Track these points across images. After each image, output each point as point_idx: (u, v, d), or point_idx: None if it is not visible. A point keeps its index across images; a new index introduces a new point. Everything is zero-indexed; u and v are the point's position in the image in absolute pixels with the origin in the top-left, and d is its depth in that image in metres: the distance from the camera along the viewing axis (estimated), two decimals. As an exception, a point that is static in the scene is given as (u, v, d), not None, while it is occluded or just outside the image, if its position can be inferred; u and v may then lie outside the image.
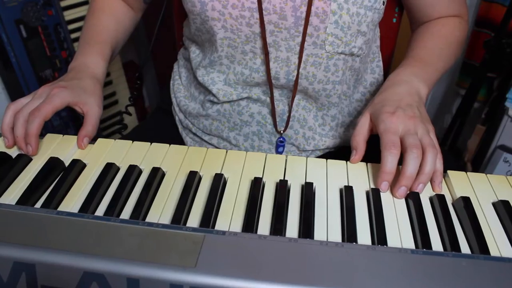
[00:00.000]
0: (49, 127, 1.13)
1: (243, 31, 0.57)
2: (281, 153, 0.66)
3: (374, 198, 0.44)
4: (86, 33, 0.68)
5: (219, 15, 0.56)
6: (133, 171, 0.47)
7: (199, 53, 0.66)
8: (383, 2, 0.56)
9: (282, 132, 0.64)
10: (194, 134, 0.70)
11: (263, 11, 0.54)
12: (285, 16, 0.55)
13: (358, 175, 0.48)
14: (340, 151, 0.68)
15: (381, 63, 0.68)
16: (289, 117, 0.63)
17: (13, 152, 0.51)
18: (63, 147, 0.52)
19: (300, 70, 0.59)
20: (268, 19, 0.55)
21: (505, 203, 0.44)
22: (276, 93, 0.62)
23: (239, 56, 0.60)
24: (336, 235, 0.40)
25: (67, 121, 1.17)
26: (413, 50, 0.62)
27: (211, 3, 0.55)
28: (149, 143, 0.52)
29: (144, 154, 0.50)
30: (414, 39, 0.65)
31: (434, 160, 0.45)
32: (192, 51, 0.67)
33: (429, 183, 0.47)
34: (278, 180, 0.46)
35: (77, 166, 0.48)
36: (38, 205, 0.43)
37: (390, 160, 0.45)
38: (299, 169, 0.49)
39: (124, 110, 0.94)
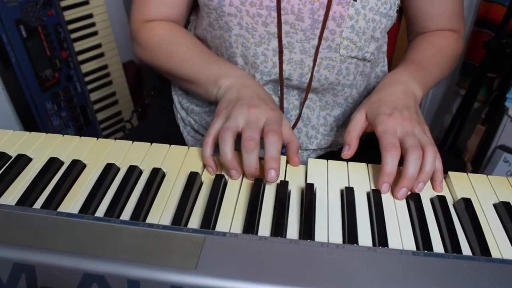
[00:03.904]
0: (48, 127, 1.13)
1: (258, 31, 0.56)
2: (284, 153, 0.66)
3: (375, 199, 0.44)
4: (196, 56, 0.59)
5: (236, 11, 0.55)
6: (133, 172, 0.47)
7: (210, 49, 0.66)
8: (397, 9, 0.57)
9: None
10: (196, 131, 0.70)
11: (281, 11, 0.54)
12: (302, 18, 0.54)
13: (359, 176, 0.48)
14: (341, 151, 0.68)
15: (385, 68, 0.68)
16: (299, 117, 0.63)
17: (13, 152, 0.51)
18: (63, 147, 0.51)
19: (314, 73, 0.58)
20: (285, 19, 0.55)
21: (506, 204, 0.44)
22: (284, 91, 0.62)
23: (251, 59, 0.59)
24: (336, 236, 0.40)
25: (67, 121, 1.17)
26: (411, 55, 0.62)
27: None
28: (149, 144, 0.52)
29: (144, 155, 0.50)
30: (412, 46, 0.65)
31: (434, 159, 0.45)
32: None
33: (430, 183, 0.47)
34: (278, 181, 0.46)
35: (77, 167, 0.48)
36: (38, 205, 0.43)
37: (390, 161, 0.45)
38: (299, 170, 0.49)
39: (128, 120, 0.93)
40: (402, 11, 0.73)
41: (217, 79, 0.55)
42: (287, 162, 0.49)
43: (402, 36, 0.80)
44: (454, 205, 0.45)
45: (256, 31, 0.56)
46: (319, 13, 0.54)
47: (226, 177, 0.47)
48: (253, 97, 0.50)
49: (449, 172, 0.49)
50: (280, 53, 0.57)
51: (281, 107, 0.63)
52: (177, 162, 0.49)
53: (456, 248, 0.39)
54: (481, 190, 0.47)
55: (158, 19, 0.64)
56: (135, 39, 0.65)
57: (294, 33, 0.56)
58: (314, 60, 0.57)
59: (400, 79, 0.55)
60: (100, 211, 0.43)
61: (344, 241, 0.40)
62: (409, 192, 0.45)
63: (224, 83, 0.54)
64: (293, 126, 0.64)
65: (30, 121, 1.09)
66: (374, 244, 0.40)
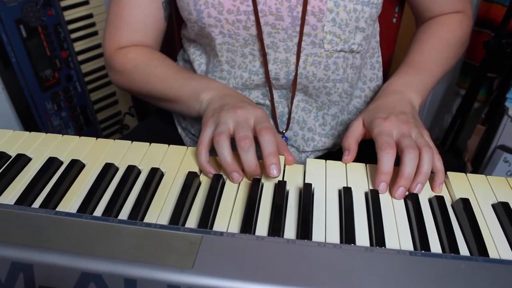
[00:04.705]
0: (48, 127, 1.13)
1: (241, 35, 0.56)
2: None
3: (372, 199, 0.44)
4: (174, 75, 0.60)
5: (215, 22, 0.56)
6: (131, 172, 0.47)
7: (200, 53, 0.66)
8: None
9: (284, 132, 0.64)
10: (194, 135, 0.70)
11: (259, 13, 0.54)
12: (281, 17, 0.54)
13: (357, 176, 0.48)
14: (339, 152, 0.68)
15: (380, 59, 0.67)
16: (289, 117, 0.63)
17: (12, 152, 0.51)
18: (63, 147, 0.52)
19: (300, 70, 0.58)
20: (265, 20, 0.55)
21: (504, 204, 0.44)
22: (276, 94, 0.62)
23: (239, 60, 0.60)
24: (334, 236, 0.40)
25: (67, 121, 1.17)
26: (410, 55, 0.62)
27: (206, 10, 0.55)
28: (148, 144, 0.52)
29: (143, 155, 0.50)
30: (413, 41, 0.65)
31: (431, 160, 0.45)
32: (192, 52, 0.67)
33: (428, 183, 0.47)
34: (276, 181, 0.46)
35: (76, 166, 0.48)
36: (37, 205, 0.43)
37: (386, 160, 0.45)
38: (297, 170, 0.49)
39: (127, 111, 0.93)
40: (402, 8, 0.73)
41: (198, 94, 0.55)
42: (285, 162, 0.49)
43: (402, 36, 0.80)
44: (452, 205, 0.45)
45: (239, 35, 0.57)
46: (298, 9, 0.54)
47: (224, 177, 0.47)
48: (237, 101, 0.51)
49: (448, 172, 0.48)
50: (264, 55, 0.57)
51: (273, 111, 0.63)
52: (175, 162, 0.49)
53: (454, 248, 0.39)
54: (480, 190, 0.47)
55: (131, 45, 0.64)
56: (110, 65, 0.66)
57: (276, 33, 0.56)
58: (298, 57, 0.57)
59: (397, 89, 0.56)
60: (99, 211, 0.43)
61: (341, 241, 0.40)
62: (407, 193, 0.45)
63: (205, 97, 0.54)
64: (287, 127, 0.64)
65: (30, 121, 1.09)
66: (371, 244, 0.40)
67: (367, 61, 0.66)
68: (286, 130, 0.64)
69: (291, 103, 0.62)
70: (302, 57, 0.57)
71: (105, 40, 0.66)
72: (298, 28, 0.55)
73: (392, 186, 0.45)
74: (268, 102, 0.63)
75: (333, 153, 0.68)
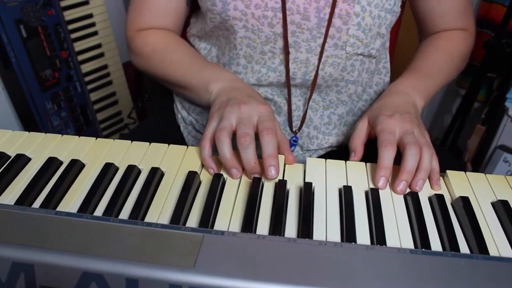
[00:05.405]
0: (48, 127, 1.13)
1: (264, 32, 0.56)
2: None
3: (373, 198, 0.44)
4: (188, 62, 0.60)
5: (241, 15, 0.55)
6: (132, 171, 0.47)
7: (210, 48, 0.66)
8: (400, 5, 0.57)
9: (297, 131, 0.65)
10: (198, 131, 0.70)
11: (287, 11, 0.54)
12: (308, 17, 0.55)
13: (357, 175, 0.48)
14: (341, 151, 0.68)
15: (388, 64, 0.68)
16: (304, 116, 0.63)
17: (12, 152, 0.51)
18: (62, 147, 0.52)
19: (318, 71, 0.59)
20: (291, 19, 0.55)
21: (504, 203, 0.44)
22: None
23: (257, 56, 0.59)
24: (335, 235, 0.40)
25: (67, 121, 1.17)
26: (416, 61, 0.63)
27: (233, 2, 0.54)
28: (148, 143, 0.52)
29: (143, 154, 0.50)
30: (419, 51, 0.66)
31: (431, 157, 0.46)
32: (203, 47, 0.66)
33: (428, 183, 0.47)
34: (277, 180, 0.46)
35: (76, 166, 0.48)
36: (37, 205, 0.43)
37: (386, 156, 0.45)
38: (298, 169, 0.49)
39: (135, 106, 0.93)
40: (404, 8, 0.73)
41: (208, 84, 0.55)
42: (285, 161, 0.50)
43: (402, 36, 0.80)
44: (452, 204, 0.45)
45: (262, 32, 0.56)
46: (325, 11, 0.54)
47: (225, 176, 0.47)
48: (243, 95, 0.51)
49: (448, 171, 0.49)
50: (286, 53, 0.57)
51: (289, 109, 0.63)
52: (175, 161, 0.49)
53: (454, 246, 0.39)
54: (479, 188, 0.47)
55: (152, 28, 0.65)
56: (130, 47, 0.66)
57: (300, 32, 0.56)
58: (319, 59, 0.57)
59: (401, 90, 0.56)
60: (99, 211, 0.43)
61: (342, 240, 0.40)
62: (408, 190, 0.46)
63: (214, 88, 0.55)
64: (299, 128, 0.64)
65: (30, 121, 1.09)
66: (372, 243, 0.40)
67: (377, 66, 0.67)
68: (300, 129, 0.64)
69: (308, 103, 0.62)
70: (322, 58, 0.57)
71: (127, 21, 0.66)
72: (323, 30, 0.55)
73: (393, 181, 0.46)
74: (276, 98, 0.63)
75: (335, 152, 0.68)
